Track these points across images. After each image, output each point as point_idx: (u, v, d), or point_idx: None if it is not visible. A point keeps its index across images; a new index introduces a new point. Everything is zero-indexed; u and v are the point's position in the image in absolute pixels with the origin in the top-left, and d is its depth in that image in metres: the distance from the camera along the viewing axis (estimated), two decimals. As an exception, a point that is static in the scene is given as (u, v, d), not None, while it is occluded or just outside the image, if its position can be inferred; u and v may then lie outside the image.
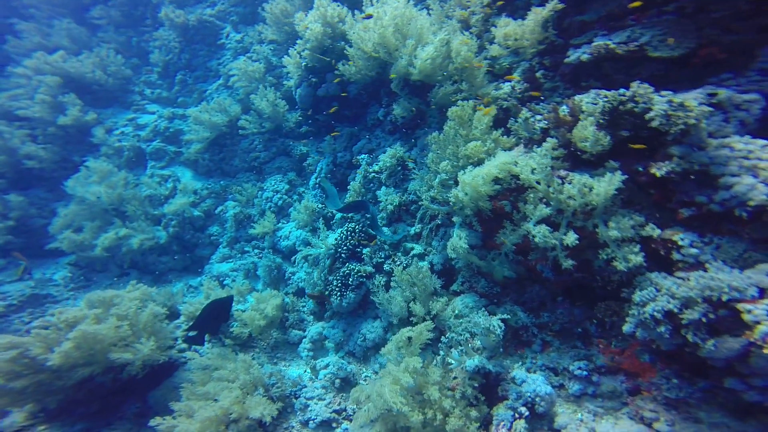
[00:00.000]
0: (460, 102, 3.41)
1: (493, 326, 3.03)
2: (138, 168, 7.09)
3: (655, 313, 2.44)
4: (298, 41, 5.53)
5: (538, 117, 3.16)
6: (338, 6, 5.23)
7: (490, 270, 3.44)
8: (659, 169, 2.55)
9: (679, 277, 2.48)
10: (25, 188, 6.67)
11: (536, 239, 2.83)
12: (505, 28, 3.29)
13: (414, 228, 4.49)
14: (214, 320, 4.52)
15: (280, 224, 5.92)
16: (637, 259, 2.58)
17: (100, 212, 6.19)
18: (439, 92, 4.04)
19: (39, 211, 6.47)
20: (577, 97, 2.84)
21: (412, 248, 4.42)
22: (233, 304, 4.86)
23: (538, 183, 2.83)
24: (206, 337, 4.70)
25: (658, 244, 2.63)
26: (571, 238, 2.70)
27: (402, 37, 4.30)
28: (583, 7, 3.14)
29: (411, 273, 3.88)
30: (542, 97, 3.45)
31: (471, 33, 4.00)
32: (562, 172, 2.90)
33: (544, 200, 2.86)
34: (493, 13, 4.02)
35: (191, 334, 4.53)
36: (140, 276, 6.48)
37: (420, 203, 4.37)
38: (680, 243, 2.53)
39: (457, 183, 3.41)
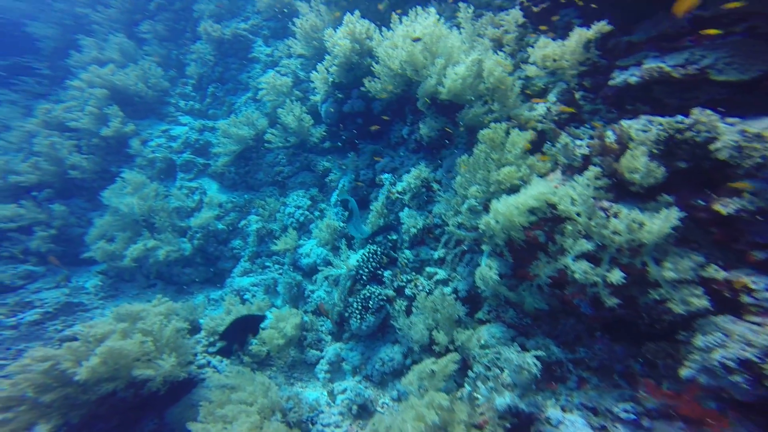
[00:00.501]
0: (492, 124, 3.21)
1: (528, 364, 2.80)
2: (168, 179, 7.30)
3: (727, 361, 2.16)
4: (327, 57, 5.51)
5: (579, 142, 2.91)
6: (367, 22, 5.16)
7: (519, 300, 3.23)
8: (725, 207, 2.25)
9: (753, 323, 2.18)
10: (67, 197, 7.01)
11: (576, 275, 2.58)
12: (545, 49, 3.07)
13: (437, 252, 4.31)
14: (243, 332, 4.51)
15: (301, 241, 5.88)
16: (701, 302, 2.31)
17: (131, 223, 6.39)
18: (469, 113, 3.85)
19: (78, 221, 6.76)
20: (624, 123, 2.58)
21: (435, 273, 4.24)
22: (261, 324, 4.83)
23: (579, 215, 2.58)
24: (233, 348, 4.69)
25: (722, 285, 2.34)
26: (616, 276, 2.45)
27: (430, 56, 4.16)
28: (631, 27, 2.87)
29: (435, 300, 3.72)
30: (583, 121, 3.18)
31: (504, 52, 3.79)
32: (606, 204, 2.63)
33: (584, 233, 2.61)
34: (528, 32, 3.79)
35: (220, 344, 4.52)
36: (165, 287, 6.63)
37: (445, 228, 4.18)
38: (752, 287, 2.23)
39: (486, 209, 3.21)
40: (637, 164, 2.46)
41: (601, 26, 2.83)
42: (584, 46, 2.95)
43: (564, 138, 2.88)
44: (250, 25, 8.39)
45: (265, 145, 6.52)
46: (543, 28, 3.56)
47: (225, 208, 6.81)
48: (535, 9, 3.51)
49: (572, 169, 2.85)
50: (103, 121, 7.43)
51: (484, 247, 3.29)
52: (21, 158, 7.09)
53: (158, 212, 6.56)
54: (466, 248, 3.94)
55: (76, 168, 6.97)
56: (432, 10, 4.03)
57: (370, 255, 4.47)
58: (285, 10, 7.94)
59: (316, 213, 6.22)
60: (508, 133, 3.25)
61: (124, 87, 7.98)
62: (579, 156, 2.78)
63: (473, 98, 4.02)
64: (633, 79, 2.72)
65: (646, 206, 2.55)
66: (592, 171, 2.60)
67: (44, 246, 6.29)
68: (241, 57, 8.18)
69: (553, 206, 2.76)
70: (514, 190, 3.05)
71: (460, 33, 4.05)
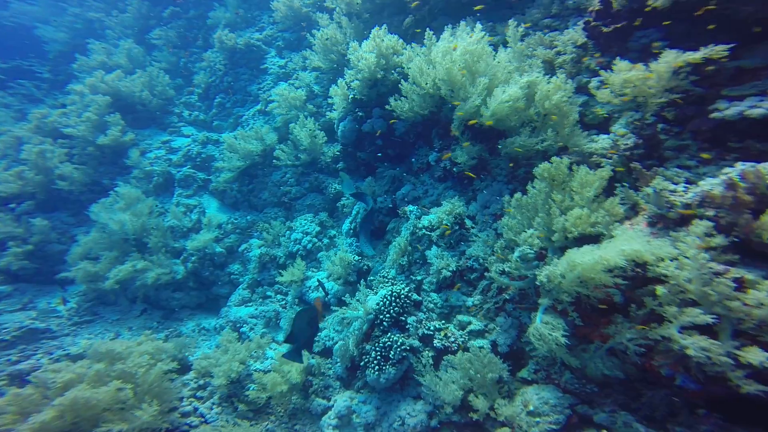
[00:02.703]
0: (554, 159, 2.66)
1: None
2: (165, 194, 6.72)
3: None
4: (348, 71, 5.02)
5: (673, 187, 2.34)
6: (395, 37, 4.70)
7: (581, 364, 2.63)
8: None
9: None
10: (50, 211, 6.41)
11: (688, 351, 2.02)
12: (627, 73, 2.54)
13: (471, 299, 3.69)
14: (309, 329, 3.90)
15: (308, 272, 5.26)
16: None
17: (119, 242, 5.78)
18: (515, 141, 3.31)
19: (59, 236, 6.14)
20: (764, 167, 2.02)
21: (469, 323, 3.62)
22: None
23: (689, 281, 1.99)
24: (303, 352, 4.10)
25: None
26: (755, 356, 1.87)
27: (470, 75, 3.66)
28: (740, 50, 2.35)
29: (472, 359, 3.12)
30: (664, 159, 2.62)
31: (559, 76, 3.28)
32: (719, 267, 2.06)
33: (690, 299, 2.04)
34: (589, 54, 3.30)
35: (287, 349, 4.10)
36: (151, 311, 5.97)
37: (485, 273, 3.58)
38: None
39: (541, 258, 2.63)
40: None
41: (716, 50, 2.29)
42: (674, 72, 2.43)
43: (659, 181, 2.31)
44: (264, 36, 8.00)
45: (274, 161, 5.98)
46: (613, 49, 3.04)
47: (225, 230, 6.21)
48: (605, 29, 3.01)
49: (665, 220, 2.28)
50: (102, 129, 6.91)
51: (541, 300, 2.69)
52: (4, 166, 6.52)
53: (151, 231, 5.96)
54: (508, 297, 3.34)
55: (65, 179, 6.40)
56: (478, 26, 3.55)
57: (393, 298, 3.85)
58: (303, 24, 7.56)
59: (326, 240, 5.62)
60: (570, 168, 2.70)
61: (128, 94, 7.52)
62: (680, 205, 2.21)
63: (518, 124, 3.50)
64: (758, 112, 2.17)
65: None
66: (701, 226, 2.03)
67: (16, 263, 5.64)
68: (253, 67, 7.75)
69: (641, 264, 2.19)
70: (587, 238, 2.48)
71: (506, 52, 3.55)
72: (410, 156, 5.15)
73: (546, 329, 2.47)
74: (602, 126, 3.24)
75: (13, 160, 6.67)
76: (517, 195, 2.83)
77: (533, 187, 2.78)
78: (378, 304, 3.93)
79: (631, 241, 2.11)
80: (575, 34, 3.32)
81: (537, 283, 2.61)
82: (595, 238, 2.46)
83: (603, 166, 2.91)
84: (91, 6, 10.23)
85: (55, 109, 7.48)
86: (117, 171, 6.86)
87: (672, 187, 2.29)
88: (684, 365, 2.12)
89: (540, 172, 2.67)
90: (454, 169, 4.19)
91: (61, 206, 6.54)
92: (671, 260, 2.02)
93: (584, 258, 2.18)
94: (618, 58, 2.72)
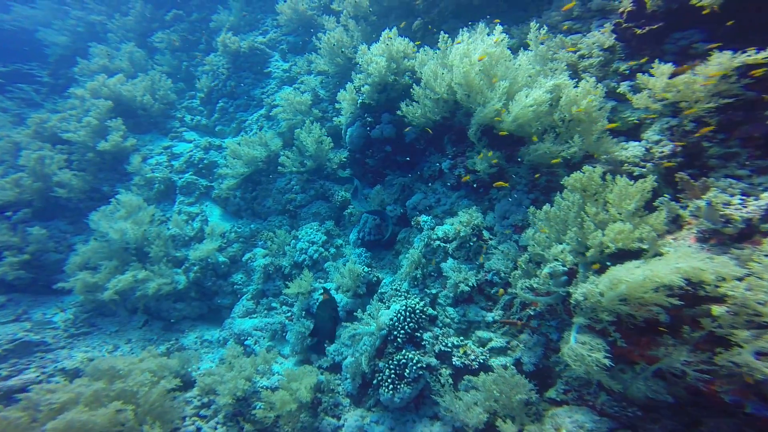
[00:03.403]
0: (585, 167, 2.47)
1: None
2: (166, 201, 6.53)
3: None
4: (358, 76, 4.85)
5: (728, 199, 2.14)
6: (405, 40, 4.53)
7: (621, 387, 2.42)
8: None
9: None
10: (48, 219, 6.21)
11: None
12: (674, 77, 2.36)
13: (492, 314, 3.49)
14: (331, 321, 3.94)
15: (315, 283, 5.05)
16: None
17: (119, 251, 5.58)
18: (539, 148, 3.12)
19: (56, 245, 5.95)
20: None
21: (490, 339, 3.42)
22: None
23: (762, 304, 1.80)
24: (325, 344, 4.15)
25: None
26: None
27: (488, 79, 3.48)
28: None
29: (497, 380, 2.91)
30: (709, 168, 2.43)
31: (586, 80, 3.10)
32: None
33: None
34: (618, 57, 3.12)
35: (310, 341, 4.11)
36: (151, 322, 5.77)
37: (504, 286, 3.39)
38: None
39: (572, 275, 2.43)
40: None
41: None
42: (722, 75, 2.25)
43: (714, 193, 2.11)
44: (268, 39, 7.85)
45: (279, 168, 5.80)
46: (644, 59, 2.86)
47: (228, 239, 6.02)
48: (638, 31, 2.84)
49: (719, 236, 2.08)
50: (102, 135, 6.73)
51: (575, 319, 2.49)
52: (0, 172, 6.34)
53: (153, 240, 5.77)
54: (532, 313, 3.14)
55: (64, 186, 6.21)
56: (498, 28, 3.37)
57: (408, 313, 3.65)
58: (311, 30, 7.41)
59: (332, 250, 5.42)
60: (603, 178, 2.51)
61: (130, 98, 7.35)
62: (739, 219, 2.01)
63: (539, 130, 3.32)
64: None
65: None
66: None
67: (11, 273, 5.44)
68: (256, 71, 7.59)
69: (693, 283, 1.99)
70: (621, 255, 2.28)
71: (527, 55, 3.37)
72: (420, 163, 4.97)
73: (584, 350, 2.27)
74: (631, 133, 3.05)
75: (10, 166, 6.50)
76: (546, 207, 2.64)
77: (562, 198, 2.58)
78: (391, 319, 3.73)
79: (688, 258, 1.92)
80: (601, 36, 3.15)
81: (572, 301, 2.41)
82: (634, 254, 2.27)
83: (644, 177, 2.71)
84: (93, 9, 10.11)
85: (54, 113, 7.30)
86: (117, 177, 6.68)
87: (726, 199, 2.10)
88: (757, 392, 1.90)
89: (571, 183, 2.48)
90: (470, 177, 4.00)
91: (59, 214, 6.35)
92: (737, 280, 1.83)
93: (630, 275, 1.99)
94: (657, 60, 2.54)
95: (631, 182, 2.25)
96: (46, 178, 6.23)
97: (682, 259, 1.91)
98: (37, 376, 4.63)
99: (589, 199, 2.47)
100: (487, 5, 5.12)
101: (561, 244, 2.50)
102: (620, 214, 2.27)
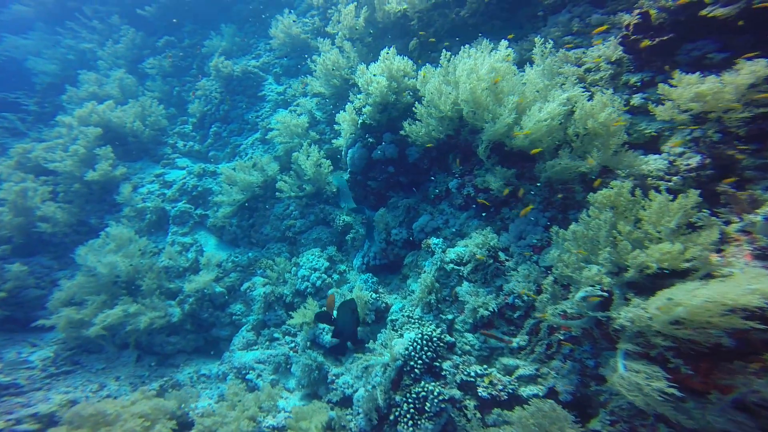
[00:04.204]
0: (614, 183, 2.33)
1: None
2: (159, 233, 6.25)
3: None
4: (358, 96, 4.74)
5: None
6: (405, 59, 4.46)
7: (691, 422, 2.17)
8: None
9: None
10: (29, 255, 5.87)
11: None
12: (699, 86, 2.26)
13: (517, 340, 3.26)
14: (352, 323, 3.73)
15: (320, 311, 4.78)
16: None
17: (107, 285, 5.26)
18: (558, 164, 2.98)
19: (37, 281, 5.59)
20: None
21: (516, 367, 3.18)
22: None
23: None
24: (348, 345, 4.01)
25: None
26: None
27: (494, 95, 3.39)
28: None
29: (537, 415, 2.66)
30: (746, 180, 2.31)
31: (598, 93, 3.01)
32: None
33: None
34: (626, 71, 3.05)
35: (334, 342, 4.01)
36: (142, 357, 5.40)
37: (529, 311, 3.18)
38: None
39: (607, 299, 2.25)
40: None
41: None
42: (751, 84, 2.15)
43: None
44: (261, 63, 7.80)
45: (277, 194, 5.60)
46: (666, 68, 2.78)
47: (225, 268, 5.74)
48: (648, 43, 2.77)
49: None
50: (90, 164, 6.48)
51: (621, 345, 2.28)
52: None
53: (145, 272, 5.47)
54: (562, 337, 2.92)
55: (47, 220, 5.89)
56: (504, 42, 3.30)
57: (425, 341, 3.41)
58: (305, 53, 7.39)
59: (336, 276, 5.18)
60: (633, 194, 2.37)
61: (120, 125, 7.15)
62: None
63: (552, 145, 3.21)
64: None
65: None
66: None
67: (-16, 311, 5.08)
68: (250, 95, 7.49)
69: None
70: (665, 275, 2.11)
71: (535, 70, 3.29)
72: (425, 183, 4.82)
73: (640, 378, 2.05)
74: (648, 146, 2.94)
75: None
76: (573, 227, 2.48)
77: (589, 216, 2.43)
78: (407, 348, 3.48)
79: (764, 279, 1.75)
80: (607, 49, 3.08)
81: (614, 325, 2.21)
82: (677, 274, 2.11)
83: (683, 192, 2.57)
84: (85, 38, 10.04)
85: (40, 142, 7.03)
86: (106, 209, 6.39)
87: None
88: None
89: (599, 200, 2.33)
90: (482, 197, 3.85)
91: (42, 249, 6.02)
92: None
93: (692, 297, 1.81)
94: (677, 71, 2.45)
95: (670, 197, 2.10)
96: (29, 212, 5.92)
97: (756, 279, 1.74)
98: (-2, 426, 4.20)
99: (619, 216, 2.32)
100: (482, 24, 5.12)
101: (593, 265, 2.32)
102: (659, 232, 2.11)
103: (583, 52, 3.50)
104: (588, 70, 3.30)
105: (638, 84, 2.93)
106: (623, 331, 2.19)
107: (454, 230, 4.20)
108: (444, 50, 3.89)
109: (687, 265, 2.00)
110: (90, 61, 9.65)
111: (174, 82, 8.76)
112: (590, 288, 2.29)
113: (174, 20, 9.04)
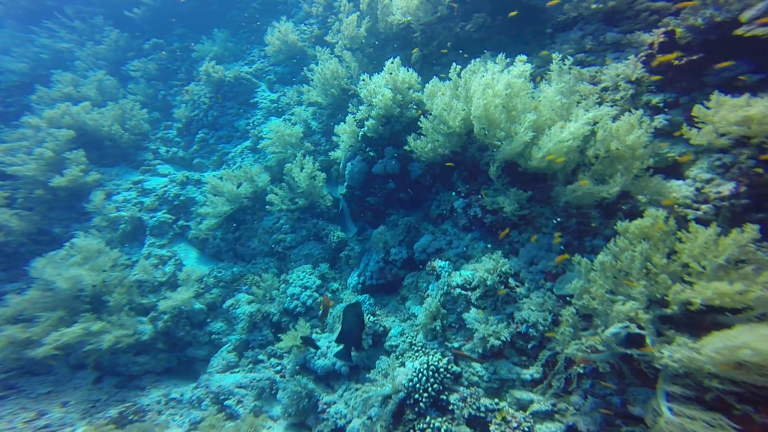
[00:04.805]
0: (649, 211, 2.15)
1: None
2: (134, 243, 5.75)
3: None
4: (360, 107, 4.52)
5: None
6: (410, 71, 4.28)
7: None
8: None
9: None
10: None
11: None
12: (748, 109, 2.12)
13: (529, 372, 3.00)
14: (357, 328, 3.53)
15: (313, 333, 4.42)
16: None
17: (67, 300, 4.73)
18: (578, 190, 2.80)
19: (-23, 296, 4.99)
20: None
21: (531, 402, 2.90)
22: None
23: None
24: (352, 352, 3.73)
25: None
26: None
27: (507, 112, 3.22)
28: None
29: None
30: None
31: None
32: None
33: None
34: (646, 90, 2.94)
35: (338, 349, 3.76)
36: (100, 377, 4.84)
37: (544, 341, 2.94)
38: None
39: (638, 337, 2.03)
40: None
41: None
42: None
43: None
44: (254, 69, 7.52)
45: (267, 207, 5.26)
46: (688, 87, 2.66)
47: (206, 284, 5.29)
48: (676, 62, 2.66)
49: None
50: (58, 168, 5.96)
51: (663, 386, 2.04)
52: None
53: (114, 287, 4.97)
54: (582, 371, 2.68)
55: (0, 228, 5.32)
56: (522, 57, 3.15)
57: (431, 373, 3.10)
58: (300, 60, 7.17)
59: (328, 296, 4.82)
60: (667, 222, 2.19)
61: (96, 128, 6.66)
62: None
63: (568, 168, 3.04)
64: None
65: None
66: None
67: None
68: (241, 101, 7.17)
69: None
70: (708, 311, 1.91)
71: (553, 88, 3.15)
72: (426, 201, 4.59)
73: (698, 427, 1.80)
74: (669, 170, 2.81)
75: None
76: (600, 257, 2.27)
77: (617, 246, 2.23)
78: (411, 380, 3.16)
79: None
80: (626, 68, 2.97)
81: (658, 365, 1.98)
82: (718, 309, 1.92)
83: (689, 219, 2.42)
84: (63, 37, 9.51)
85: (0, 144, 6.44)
86: (74, 217, 5.85)
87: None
88: None
89: (633, 231, 2.14)
90: (486, 218, 3.64)
91: (-10, 260, 5.41)
92: None
93: (761, 341, 1.60)
94: (716, 92, 2.33)
95: (718, 230, 1.92)
96: (-20, 220, 5.33)
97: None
98: None
99: (653, 248, 2.13)
100: (487, 38, 5.03)
101: (624, 297, 2.11)
102: (704, 267, 1.92)
103: (598, 71, 3.39)
104: (605, 89, 3.18)
105: (661, 105, 2.82)
106: (663, 370, 1.96)
107: (458, 251, 3.96)
108: (454, 63, 3.73)
109: (738, 303, 1.81)
110: (67, 61, 9.10)
111: (160, 86, 8.34)
112: (625, 324, 2.07)
113: (172, 19, 8.63)
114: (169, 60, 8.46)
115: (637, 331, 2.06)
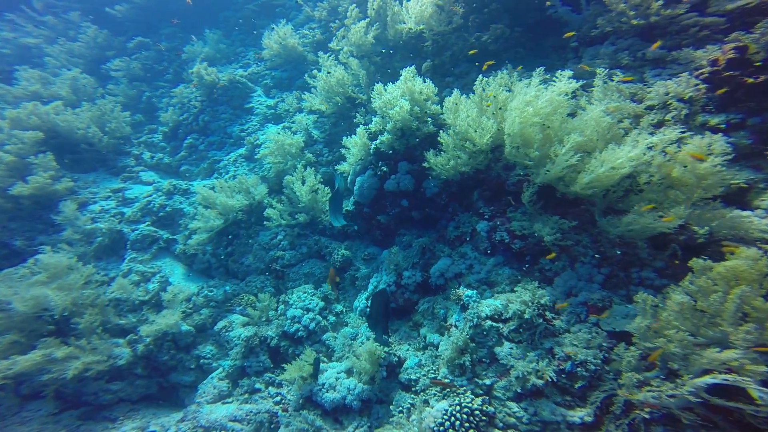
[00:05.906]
0: (741, 250, 1.91)
1: None
2: (111, 259, 5.16)
3: None
4: (374, 119, 4.19)
5: None
6: (427, 83, 4.00)
7: None
8: None
9: None
10: None
11: None
12: None
13: (579, 415, 2.68)
14: (384, 315, 3.33)
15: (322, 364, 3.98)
16: None
17: (24, 322, 4.14)
18: (636, 222, 2.53)
19: None
20: None
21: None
22: None
23: None
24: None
25: None
26: None
27: (543, 131, 2.96)
28: None
29: None
30: None
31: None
32: None
33: None
34: (700, 110, 2.74)
35: (373, 336, 3.59)
36: (60, 408, 4.23)
37: (591, 380, 2.63)
38: None
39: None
40: None
41: None
42: None
43: None
44: (249, 73, 7.09)
45: (265, 223, 4.82)
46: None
47: (195, 303, 4.78)
48: (749, 80, 2.47)
49: None
50: (21, 174, 5.33)
51: None
52: None
53: (85, 307, 4.39)
54: (648, 416, 2.38)
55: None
56: (567, 72, 2.90)
57: (465, 415, 2.75)
58: (298, 65, 6.80)
59: (332, 318, 4.43)
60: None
61: (69, 130, 6.05)
62: None
63: (613, 194, 2.80)
64: None
65: None
66: None
67: None
68: (235, 106, 6.71)
69: None
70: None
71: (598, 106, 2.91)
72: (441, 221, 4.28)
73: None
74: (730, 199, 2.59)
75: None
76: (678, 297, 2.00)
77: (694, 285, 1.97)
78: (441, 424, 2.79)
79: None
80: (677, 86, 2.78)
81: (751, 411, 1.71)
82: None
83: None
84: (30, 32, 8.79)
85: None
86: (40, 229, 5.21)
87: None
88: None
89: (723, 272, 1.88)
90: (514, 243, 3.35)
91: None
92: None
93: None
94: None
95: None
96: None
97: None
98: None
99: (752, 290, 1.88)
100: (504, 50, 4.83)
101: (710, 342, 1.84)
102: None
103: (640, 88, 3.20)
104: (649, 108, 2.97)
105: (722, 126, 2.62)
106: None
107: (479, 277, 3.65)
108: (481, 76, 3.46)
109: None
110: (35, 58, 8.39)
111: (144, 87, 7.77)
112: (727, 377, 1.79)
113: (174, 20, 8.04)
114: (155, 60, 7.92)
115: (744, 383, 1.79)
